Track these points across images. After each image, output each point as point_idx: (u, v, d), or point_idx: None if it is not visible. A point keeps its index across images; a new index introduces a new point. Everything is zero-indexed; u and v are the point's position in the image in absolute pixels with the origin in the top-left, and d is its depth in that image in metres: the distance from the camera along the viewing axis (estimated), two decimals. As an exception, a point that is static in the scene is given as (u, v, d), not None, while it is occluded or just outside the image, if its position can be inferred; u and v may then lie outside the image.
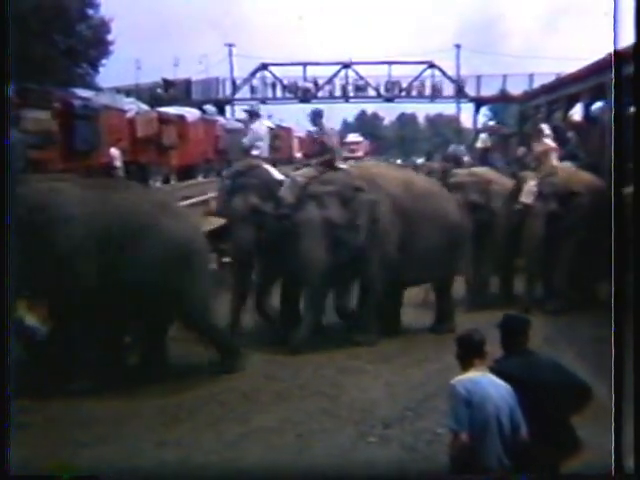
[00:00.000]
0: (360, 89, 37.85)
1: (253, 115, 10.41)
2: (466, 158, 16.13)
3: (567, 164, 11.96)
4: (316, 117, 9.61)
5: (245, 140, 10.08)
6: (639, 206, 4.67)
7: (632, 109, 5.04)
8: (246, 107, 11.47)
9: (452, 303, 9.66)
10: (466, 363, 4.14)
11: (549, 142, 11.48)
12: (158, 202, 7.65)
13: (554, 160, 11.21)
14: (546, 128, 13.93)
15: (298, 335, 8.34)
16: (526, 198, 10.43)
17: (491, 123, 15.01)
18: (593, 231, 10.15)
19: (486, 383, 4.02)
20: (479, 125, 36.23)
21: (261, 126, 10.26)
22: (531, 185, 10.53)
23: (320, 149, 9.30)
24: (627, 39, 4.74)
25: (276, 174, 9.20)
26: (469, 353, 4.15)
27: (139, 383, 7.16)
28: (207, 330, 7.68)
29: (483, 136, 14.01)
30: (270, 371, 7.76)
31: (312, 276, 8.36)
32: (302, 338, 8.30)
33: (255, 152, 9.80)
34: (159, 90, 31.85)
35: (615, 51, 4.83)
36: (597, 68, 14.48)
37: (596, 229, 10.11)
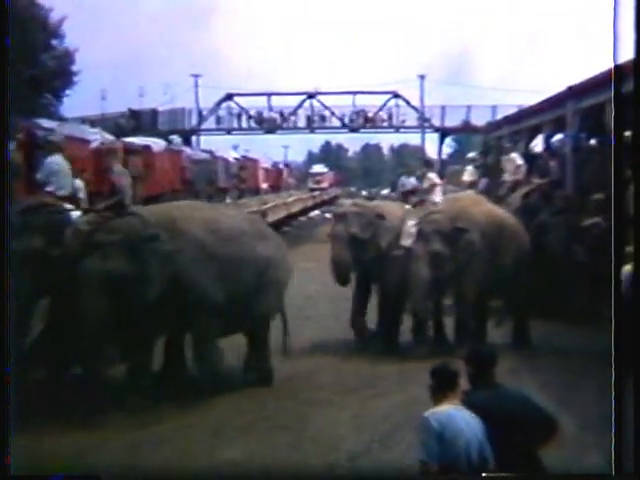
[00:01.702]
0: (325, 119, 38.13)
1: (51, 147, 9.38)
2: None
3: (469, 193, 11.48)
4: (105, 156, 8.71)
5: (38, 175, 9.18)
6: (639, 217, 4.74)
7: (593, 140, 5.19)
8: (48, 138, 10.42)
9: (268, 349, 8.60)
10: (439, 396, 4.14)
11: (434, 177, 11.20)
12: None
13: (438, 196, 10.71)
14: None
15: None
16: (405, 240, 9.60)
17: (472, 155, 14.68)
18: (494, 264, 9.72)
19: (459, 417, 4.02)
20: (444, 155, 36.74)
21: (57, 159, 9.15)
22: (409, 225, 9.67)
23: (110, 190, 8.44)
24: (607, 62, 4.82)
25: (72, 215, 8.07)
26: (443, 386, 4.15)
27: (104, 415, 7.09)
28: None
29: (469, 168, 13.57)
30: (235, 404, 7.70)
31: (87, 334, 7.30)
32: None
33: (49, 188, 8.91)
34: (121, 120, 31.79)
35: (615, 67, 4.89)
36: (557, 101, 14.75)
37: (498, 261, 9.78)
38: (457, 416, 4.02)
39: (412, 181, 19.19)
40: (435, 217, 9.78)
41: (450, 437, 3.94)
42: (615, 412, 4.59)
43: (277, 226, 22.96)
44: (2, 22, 5.09)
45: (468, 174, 12.85)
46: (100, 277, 7.22)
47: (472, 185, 12.30)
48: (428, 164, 13.10)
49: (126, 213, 7.93)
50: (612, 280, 5.03)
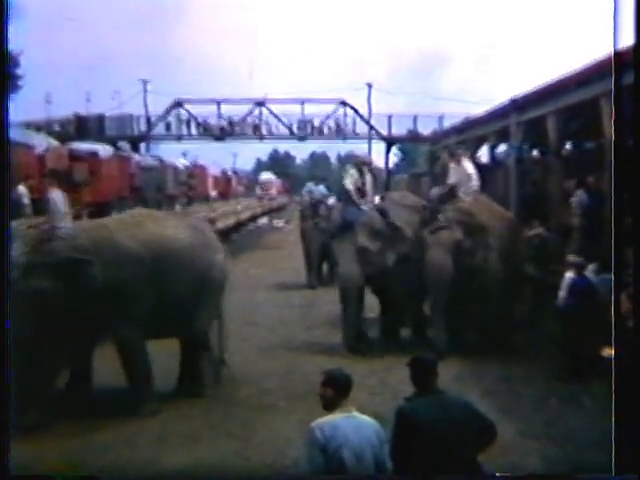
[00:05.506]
0: (273, 127, 38.13)
1: None
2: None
3: (136, 210, 9.08)
4: None
5: None
6: (638, 226, 4.84)
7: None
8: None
9: None
10: (332, 403, 4.19)
11: (55, 195, 8.69)
12: None
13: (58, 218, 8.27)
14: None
15: None
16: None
17: (359, 152, 12.65)
18: (167, 294, 7.78)
19: (346, 427, 4.06)
20: (390, 164, 36.93)
21: None
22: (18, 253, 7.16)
23: None
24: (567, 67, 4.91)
25: None
26: (336, 393, 4.19)
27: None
28: None
29: (353, 172, 10.93)
30: (181, 411, 7.66)
31: None
32: None
33: None
34: (66, 125, 31.30)
35: (615, 53, 4.96)
36: (501, 112, 15.03)
37: (171, 290, 7.83)
38: (344, 426, 4.06)
39: (321, 189, 18.47)
40: (52, 246, 7.49)
41: (334, 449, 3.99)
42: (615, 412, 4.69)
43: (226, 233, 22.89)
44: (2, 22, 5.11)
45: (350, 178, 10.65)
46: None
47: (349, 196, 10.51)
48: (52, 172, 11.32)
49: None
50: (612, 286, 5.10)
